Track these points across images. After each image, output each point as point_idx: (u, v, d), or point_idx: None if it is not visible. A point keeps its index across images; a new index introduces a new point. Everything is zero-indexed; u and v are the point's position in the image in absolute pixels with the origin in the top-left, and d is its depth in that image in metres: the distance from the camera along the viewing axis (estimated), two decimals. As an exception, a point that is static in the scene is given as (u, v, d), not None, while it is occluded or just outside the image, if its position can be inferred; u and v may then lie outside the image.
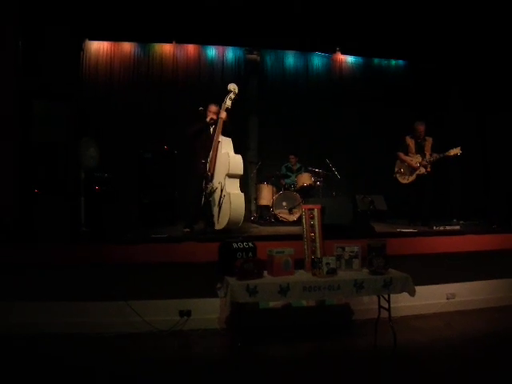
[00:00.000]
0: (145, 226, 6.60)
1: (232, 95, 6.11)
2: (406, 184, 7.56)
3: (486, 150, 8.61)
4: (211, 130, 6.32)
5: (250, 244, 4.68)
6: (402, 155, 7.59)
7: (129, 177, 7.75)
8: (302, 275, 4.64)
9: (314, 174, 8.45)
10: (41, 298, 4.95)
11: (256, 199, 8.69)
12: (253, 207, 8.95)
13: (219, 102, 6.29)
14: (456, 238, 5.88)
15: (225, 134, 6.17)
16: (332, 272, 4.54)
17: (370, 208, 8.45)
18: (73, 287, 5.00)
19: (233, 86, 6.14)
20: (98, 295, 5.02)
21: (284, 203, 8.13)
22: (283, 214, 8.08)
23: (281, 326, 5.28)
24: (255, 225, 7.81)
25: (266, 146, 9.74)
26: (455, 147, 7.10)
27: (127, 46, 9.43)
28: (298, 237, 5.07)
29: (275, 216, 8.11)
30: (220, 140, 6.04)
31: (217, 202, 5.82)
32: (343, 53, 10.28)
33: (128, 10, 8.04)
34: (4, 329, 4.80)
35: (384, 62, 10.63)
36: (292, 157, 9.08)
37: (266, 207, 8.42)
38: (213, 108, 6.34)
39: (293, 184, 8.61)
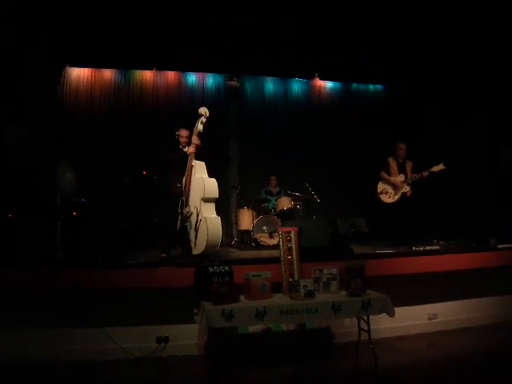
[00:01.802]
0: (123, 251, 6.50)
1: (203, 119, 6.14)
2: (390, 204, 7.61)
3: (464, 167, 8.68)
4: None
5: (227, 268, 4.63)
6: (384, 175, 7.70)
7: (107, 202, 7.68)
8: (279, 298, 4.59)
9: (293, 197, 8.47)
10: (12, 324, 4.78)
11: (236, 224, 8.65)
12: (233, 232, 8.89)
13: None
14: (435, 258, 5.89)
15: (199, 158, 6.19)
16: (310, 295, 4.50)
17: (352, 230, 8.50)
18: (46, 314, 4.84)
19: (204, 110, 6.17)
20: (72, 322, 4.89)
21: (264, 227, 8.12)
22: (263, 238, 8.05)
23: (260, 351, 5.17)
24: (235, 249, 7.77)
25: (246, 171, 9.77)
26: (437, 164, 7.27)
27: (108, 73, 9.45)
28: (275, 260, 5.04)
29: (256, 240, 8.08)
30: (193, 164, 6.04)
31: (193, 227, 5.78)
32: (322, 78, 10.40)
33: (109, 38, 8.11)
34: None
35: (362, 86, 10.80)
36: (273, 178, 9.13)
37: (247, 232, 8.39)
38: (183, 132, 6.47)
39: (273, 208, 8.62)
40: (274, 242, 7.94)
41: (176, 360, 4.99)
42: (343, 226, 8.58)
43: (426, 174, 7.40)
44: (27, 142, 5.95)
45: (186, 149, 6.36)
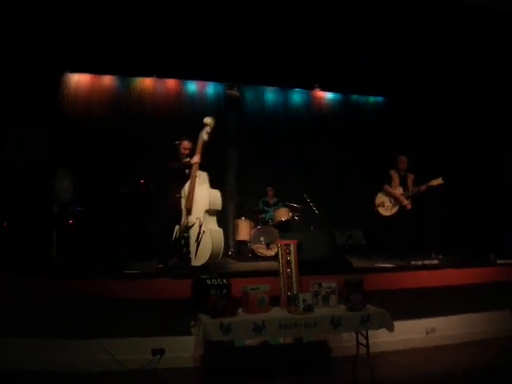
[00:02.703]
0: (120, 260, 6.46)
1: (208, 129, 6.15)
2: (387, 217, 7.58)
3: (464, 179, 8.68)
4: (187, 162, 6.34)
5: (224, 281, 4.60)
6: (388, 188, 7.68)
7: (105, 210, 7.64)
8: (277, 312, 4.56)
9: (291, 208, 8.45)
10: (6, 334, 4.71)
11: (234, 234, 8.61)
12: (230, 242, 8.85)
13: (196, 138, 6.33)
14: (434, 273, 5.87)
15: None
16: (309, 309, 4.47)
17: (349, 242, 8.49)
18: (41, 323, 4.77)
19: (209, 120, 6.17)
20: (67, 332, 4.81)
21: (262, 238, 8.08)
22: (261, 249, 8.02)
23: (257, 364, 5.11)
24: (233, 260, 7.75)
25: (244, 181, 9.73)
26: (436, 178, 7.27)
27: (107, 80, 9.43)
28: (274, 272, 5.01)
29: (253, 251, 8.04)
30: (197, 175, 6.01)
31: (194, 238, 5.74)
32: (322, 89, 10.41)
33: (109, 44, 8.08)
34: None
35: (362, 98, 10.82)
36: (269, 189, 9.10)
37: (244, 242, 8.36)
38: (186, 144, 6.44)
39: (270, 219, 8.60)
40: (271, 253, 7.91)
41: (172, 372, 4.90)
42: (341, 238, 8.62)
43: (423, 187, 7.40)
44: (25, 149, 5.88)
45: (187, 159, 6.33)
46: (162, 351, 4.98)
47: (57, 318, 4.82)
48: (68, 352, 4.81)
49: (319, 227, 8.86)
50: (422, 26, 7.93)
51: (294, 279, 4.79)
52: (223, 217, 8.81)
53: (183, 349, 5.04)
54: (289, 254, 4.87)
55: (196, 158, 6.11)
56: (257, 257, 8.00)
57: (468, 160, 8.57)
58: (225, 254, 7.90)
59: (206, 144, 6.20)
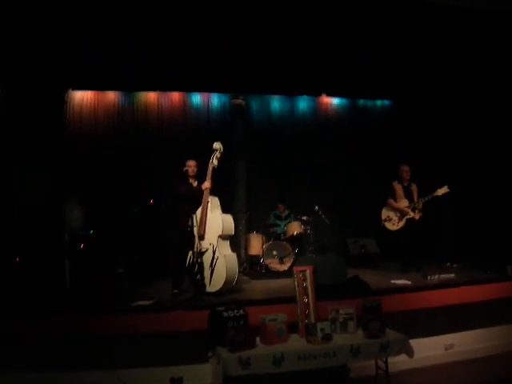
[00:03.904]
0: (134, 288, 6.43)
1: (218, 154, 6.16)
2: (395, 230, 7.48)
3: (476, 186, 8.55)
4: (195, 184, 6.39)
5: (241, 311, 4.52)
6: (392, 202, 7.56)
7: (116, 233, 7.58)
8: (296, 342, 4.48)
9: (303, 222, 8.38)
10: (23, 368, 4.72)
11: (246, 249, 8.55)
12: (242, 257, 8.77)
13: (203, 151, 6.36)
14: (452, 291, 5.80)
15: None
16: (327, 338, 4.41)
17: (362, 252, 8.45)
18: (55, 357, 4.79)
19: (218, 145, 6.17)
20: (83, 364, 4.83)
21: (274, 252, 8.02)
22: (274, 264, 7.95)
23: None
24: (246, 277, 7.67)
25: (254, 194, 9.61)
26: (441, 187, 7.16)
27: (111, 96, 9.35)
28: (290, 299, 4.93)
29: (266, 266, 7.98)
30: (209, 200, 5.98)
31: (208, 264, 5.70)
32: (329, 95, 10.29)
33: (111, 60, 8.00)
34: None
35: (370, 102, 10.68)
36: (280, 206, 9.01)
37: (256, 257, 8.29)
38: (190, 163, 6.48)
39: (282, 233, 8.53)
40: (284, 267, 7.86)
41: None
42: (353, 247, 8.58)
43: (430, 198, 7.26)
44: (33, 181, 5.84)
45: (194, 181, 6.31)
46: (180, 380, 4.95)
47: (71, 351, 4.82)
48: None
49: (331, 237, 8.86)
50: (430, 28, 7.82)
51: (311, 306, 4.72)
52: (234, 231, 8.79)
53: (201, 376, 5.05)
54: (305, 280, 4.79)
55: (207, 184, 6.09)
56: (270, 272, 7.94)
57: (481, 166, 8.41)
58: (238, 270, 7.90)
59: (215, 169, 6.16)
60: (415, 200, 7.39)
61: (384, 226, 7.61)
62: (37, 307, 4.97)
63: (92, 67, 8.06)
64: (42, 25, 6.90)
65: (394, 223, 7.50)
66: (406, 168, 7.63)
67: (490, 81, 8.01)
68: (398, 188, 7.57)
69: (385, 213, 7.64)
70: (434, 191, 7.21)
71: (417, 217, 7.34)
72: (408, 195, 7.49)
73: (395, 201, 7.53)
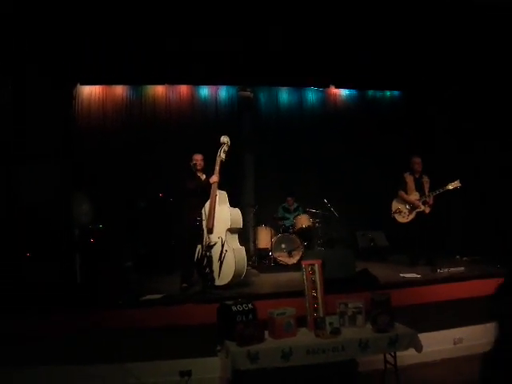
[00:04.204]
0: (143, 281, 6.46)
1: (225, 147, 6.15)
2: (405, 223, 7.43)
3: (487, 180, 8.46)
4: (202, 177, 6.37)
5: (250, 305, 4.51)
6: (403, 194, 7.48)
7: (124, 227, 7.61)
8: (304, 336, 4.47)
9: (311, 215, 8.35)
10: (35, 362, 4.76)
11: (254, 242, 8.55)
12: (251, 250, 8.77)
13: (211, 144, 6.34)
14: (461, 285, 5.76)
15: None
16: (336, 332, 4.39)
17: (371, 245, 8.42)
18: (65, 351, 4.81)
19: (226, 139, 6.16)
20: (93, 358, 4.85)
21: (283, 245, 8.03)
22: (282, 258, 7.96)
23: (284, 379, 5.08)
24: (254, 270, 7.65)
25: (262, 186, 9.59)
26: (452, 181, 7.09)
27: (119, 90, 9.38)
28: (298, 293, 4.91)
29: (274, 259, 7.98)
30: (217, 194, 5.98)
31: (217, 257, 5.72)
32: (337, 87, 10.23)
33: (119, 54, 8.00)
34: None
35: (379, 93, 10.61)
36: (289, 199, 8.99)
37: (265, 250, 8.30)
38: (197, 157, 6.44)
39: (291, 225, 8.51)
40: (293, 260, 7.87)
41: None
42: (362, 240, 8.55)
43: (441, 191, 7.20)
44: (41, 175, 5.86)
45: (202, 174, 6.31)
46: (189, 372, 4.98)
47: (80, 345, 4.85)
48: (94, 378, 4.83)
49: (340, 230, 8.83)
50: (442, 17, 7.69)
51: (319, 300, 4.69)
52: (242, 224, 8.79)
53: (210, 370, 5.05)
54: (313, 274, 4.77)
55: (215, 178, 6.09)
56: (278, 265, 7.94)
57: (493, 159, 8.31)
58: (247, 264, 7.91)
59: (223, 163, 6.14)
60: (426, 193, 7.32)
61: (394, 218, 7.55)
62: (47, 302, 5.00)
63: (100, 62, 8.10)
64: (49, 19, 6.90)
65: (403, 216, 7.44)
66: (417, 160, 7.56)
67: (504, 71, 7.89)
68: (410, 180, 7.50)
69: (395, 205, 7.58)
70: (446, 185, 7.14)
71: (427, 210, 7.28)
72: (419, 187, 7.42)
73: (406, 193, 7.46)
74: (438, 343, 5.68)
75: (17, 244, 5.66)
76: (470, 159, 8.59)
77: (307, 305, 4.69)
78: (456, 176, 7.22)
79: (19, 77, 6.57)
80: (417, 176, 7.52)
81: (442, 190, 7.17)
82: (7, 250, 5.59)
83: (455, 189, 7.12)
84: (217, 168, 6.14)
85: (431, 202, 7.24)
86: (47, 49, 7.14)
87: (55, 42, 7.20)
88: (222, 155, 6.14)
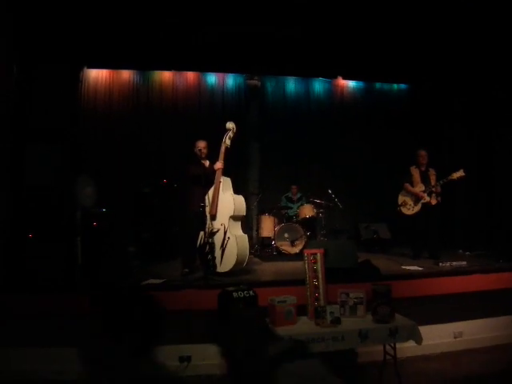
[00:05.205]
0: (144, 262, 6.47)
1: (231, 134, 6.09)
2: (410, 215, 7.41)
3: (491, 173, 8.41)
4: (206, 164, 6.30)
5: (251, 293, 4.52)
6: (408, 186, 7.45)
7: (127, 211, 7.62)
8: (304, 324, 4.48)
9: (315, 205, 8.33)
10: (33, 343, 4.79)
11: (257, 230, 8.54)
12: (254, 239, 8.78)
13: (217, 131, 6.31)
14: (463, 279, 5.74)
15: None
16: (336, 321, 4.39)
17: (374, 237, 8.40)
18: (63, 333, 4.76)
19: (231, 125, 6.10)
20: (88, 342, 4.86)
21: (286, 235, 7.99)
22: (285, 247, 7.94)
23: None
24: (257, 259, 7.67)
25: (267, 175, 9.62)
26: (457, 170, 7.05)
27: (126, 74, 9.36)
28: (300, 282, 4.91)
29: (277, 248, 7.97)
30: (221, 180, 5.95)
31: (219, 244, 5.71)
32: (345, 78, 10.18)
33: (127, 38, 7.98)
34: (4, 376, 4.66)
35: (386, 86, 10.53)
36: (294, 187, 8.97)
37: (268, 239, 8.30)
38: (201, 144, 6.34)
39: (294, 215, 8.50)
40: (295, 250, 7.85)
41: (199, 379, 4.96)
42: (365, 232, 8.54)
43: (445, 181, 7.17)
44: (47, 159, 5.86)
45: (205, 161, 6.27)
46: (188, 358, 5.01)
47: (78, 328, 4.85)
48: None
49: (344, 222, 8.81)
50: (451, 10, 7.62)
51: (320, 289, 4.71)
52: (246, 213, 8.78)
53: (210, 356, 5.04)
54: (315, 263, 4.78)
55: (219, 164, 6.05)
56: (281, 254, 7.93)
57: (498, 153, 8.26)
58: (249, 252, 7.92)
59: (228, 149, 6.11)
60: (432, 184, 7.30)
61: (400, 210, 7.52)
62: (47, 285, 5.02)
63: (107, 45, 8.08)
64: (57, 1, 6.87)
65: (409, 208, 7.41)
66: (423, 153, 7.52)
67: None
68: (415, 172, 7.47)
69: (401, 198, 7.55)
70: (450, 175, 7.10)
71: (433, 202, 7.24)
72: (425, 180, 7.38)
73: (412, 185, 7.44)
74: (438, 336, 5.68)
75: (20, 224, 5.66)
76: (476, 153, 8.57)
77: (308, 293, 4.70)
78: (460, 166, 7.17)
79: (26, 58, 6.53)
80: (423, 169, 7.48)
81: (446, 180, 7.12)
82: (11, 229, 5.61)
83: (460, 178, 7.06)
84: (221, 154, 6.10)
85: (439, 190, 7.19)
86: (55, 30, 7.11)
87: (63, 24, 7.17)
88: (228, 141, 6.09)
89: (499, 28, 7.54)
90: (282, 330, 4.25)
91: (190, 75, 9.61)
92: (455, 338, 5.80)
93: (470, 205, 8.58)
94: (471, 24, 7.69)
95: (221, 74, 9.75)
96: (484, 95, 8.39)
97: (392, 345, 4.61)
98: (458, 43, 8.18)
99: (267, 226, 8.25)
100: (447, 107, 9.45)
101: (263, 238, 8.41)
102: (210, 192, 6.01)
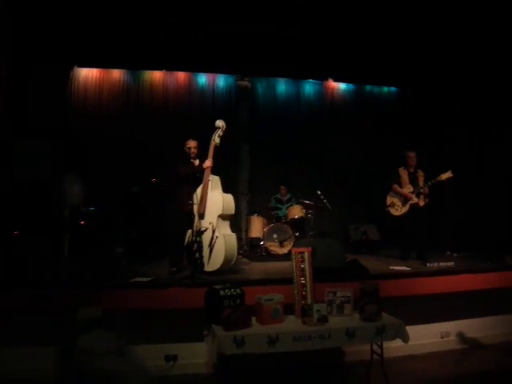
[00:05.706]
0: (132, 265, 6.42)
1: (220, 132, 6.05)
2: (398, 216, 7.43)
3: (482, 175, 8.45)
4: (196, 163, 6.28)
5: (238, 290, 4.49)
6: (396, 187, 7.47)
7: (116, 211, 7.58)
8: (291, 323, 4.47)
9: (304, 205, 8.34)
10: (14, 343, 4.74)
11: (246, 231, 8.53)
12: (243, 239, 8.76)
13: (207, 132, 6.25)
14: (450, 278, 5.77)
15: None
16: (323, 319, 4.38)
17: (363, 238, 8.42)
18: (48, 332, 4.74)
19: (221, 123, 6.07)
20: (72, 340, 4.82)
21: (275, 235, 7.99)
22: (274, 247, 7.94)
23: (269, 368, 5.08)
24: (245, 259, 7.65)
25: (256, 176, 9.60)
26: (445, 172, 7.07)
27: (116, 73, 9.31)
28: (287, 280, 4.90)
29: (266, 249, 7.97)
30: (210, 179, 5.93)
31: (207, 243, 5.69)
32: (335, 80, 10.23)
33: (118, 37, 7.97)
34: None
35: (376, 88, 10.58)
36: (283, 188, 8.97)
37: (257, 239, 8.30)
38: (191, 143, 6.33)
39: (283, 216, 8.50)
40: (284, 250, 7.85)
41: (185, 378, 4.94)
42: (354, 233, 8.56)
43: (433, 182, 7.19)
44: (34, 153, 5.81)
45: (195, 160, 6.25)
46: (174, 357, 5.00)
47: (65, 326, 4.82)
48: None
49: (333, 223, 8.82)
50: (441, 14, 7.66)
51: (308, 288, 4.69)
52: (235, 213, 8.76)
53: (196, 355, 5.07)
54: (303, 261, 4.77)
55: (208, 163, 6.01)
56: (270, 255, 7.93)
57: (487, 156, 8.31)
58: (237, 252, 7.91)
59: (217, 148, 6.08)
60: (420, 184, 7.33)
61: (388, 211, 7.53)
62: (32, 280, 4.96)
63: (98, 44, 8.06)
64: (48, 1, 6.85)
65: (397, 208, 7.43)
66: (412, 154, 7.55)
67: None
68: (404, 174, 7.50)
69: (389, 199, 7.57)
70: (438, 176, 7.13)
71: (421, 203, 7.27)
72: (413, 181, 7.41)
73: (400, 186, 7.46)
74: (425, 336, 5.74)
75: (7, 219, 5.60)
76: (465, 155, 8.62)
77: (295, 292, 4.69)
78: (449, 168, 7.19)
79: (17, 55, 6.50)
80: (411, 170, 7.52)
81: (434, 181, 7.15)
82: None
83: (448, 179, 7.09)
84: (211, 152, 6.06)
85: (426, 191, 7.22)
86: (47, 29, 7.08)
87: (54, 23, 7.14)
88: (217, 140, 6.05)
89: (499, 28, 7.58)
90: (269, 328, 4.25)
91: (181, 75, 9.59)
92: (442, 337, 5.85)
93: (457, 206, 8.62)
94: (471, 24, 7.72)
95: (211, 75, 9.73)
96: (484, 95, 8.41)
97: (379, 344, 4.63)
98: (458, 43, 8.21)
99: (256, 227, 8.25)
100: (447, 107, 9.45)
101: (252, 238, 8.41)
102: (199, 190, 5.96)
